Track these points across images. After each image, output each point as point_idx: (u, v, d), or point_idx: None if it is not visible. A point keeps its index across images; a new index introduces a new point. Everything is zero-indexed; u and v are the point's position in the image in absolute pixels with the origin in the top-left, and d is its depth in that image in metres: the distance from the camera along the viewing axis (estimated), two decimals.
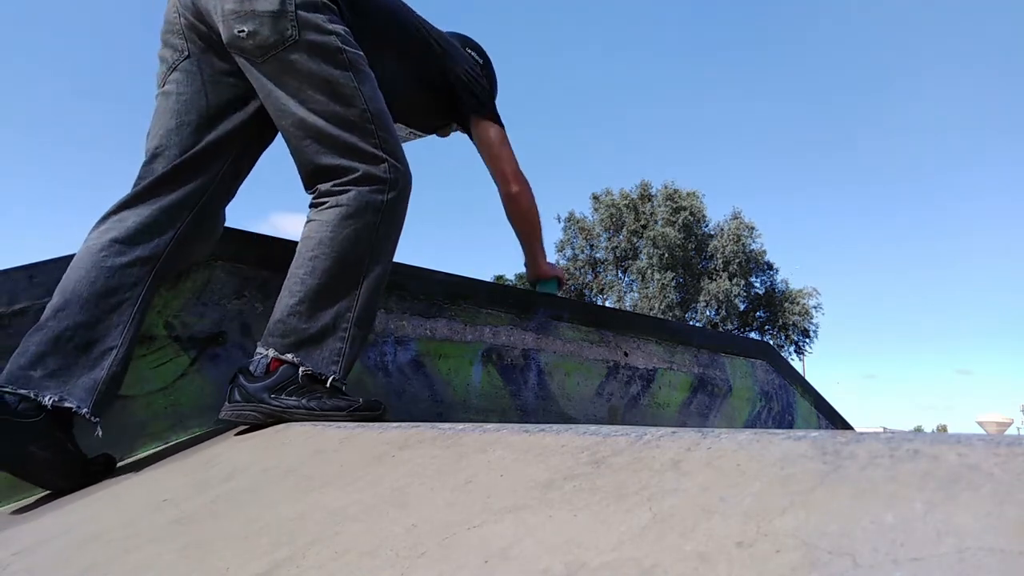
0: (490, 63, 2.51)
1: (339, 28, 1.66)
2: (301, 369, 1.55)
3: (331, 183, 1.63)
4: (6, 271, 1.64)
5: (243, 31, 1.57)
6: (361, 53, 1.70)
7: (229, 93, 1.72)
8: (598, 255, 32.44)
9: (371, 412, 1.56)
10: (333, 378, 1.58)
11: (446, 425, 1.15)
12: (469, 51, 2.41)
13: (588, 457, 0.81)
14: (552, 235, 32.26)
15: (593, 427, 0.93)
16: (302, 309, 1.58)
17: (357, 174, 1.62)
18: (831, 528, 0.53)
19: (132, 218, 1.59)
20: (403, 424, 1.25)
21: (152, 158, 1.65)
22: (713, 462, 0.71)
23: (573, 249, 33.06)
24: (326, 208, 1.62)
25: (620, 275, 31.91)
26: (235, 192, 1.80)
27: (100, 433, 1.49)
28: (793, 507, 0.57)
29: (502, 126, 2.26)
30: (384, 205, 1.64)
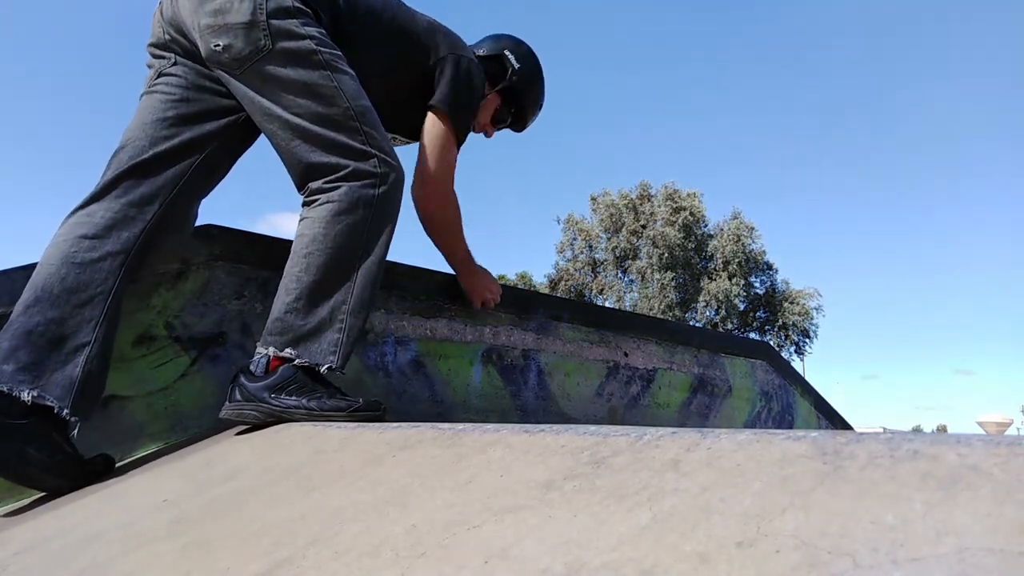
0: (530, 75, 2.32)
1: (313, 31, 1.66)
2: (298, 360, 1.57)
3: (322, 180, 1.64)
4: (6, 271, 1.64)
5: (219, 45, 1.59)
6: (339, 53, 1.71)
7: (212, 101, 1.73)
8: (598, 256, 32.43)
9: (371, 412, 1.56)
10: (330, 366, 1.59)
11: (446, 425, 1.15)
12: (507, 53, 2.28)
13: (588, 457, 0.81)
14: (552, 237, 32.16)
15: (593, 427, 0.93)
16: (299, 306, 1.60)
17: (347, 170, 1.64)
18: (831, 528, 0.53)
19: (101, 212, 1.58)
20: (403, 424, 1.25)
21: (120, 148, 1.66)
22: (713, 462, 0.71)
23: (573, 250, 33.06)
24: (318, 205, 1.64)
25: (620, 275, 31.90)
26: (210, 188, 1.79)
27: (75, 434, 1.48)
28: (793, 507, 0.57)
29: (454, 130, 2.02)
30: (376, 199, 1.66)
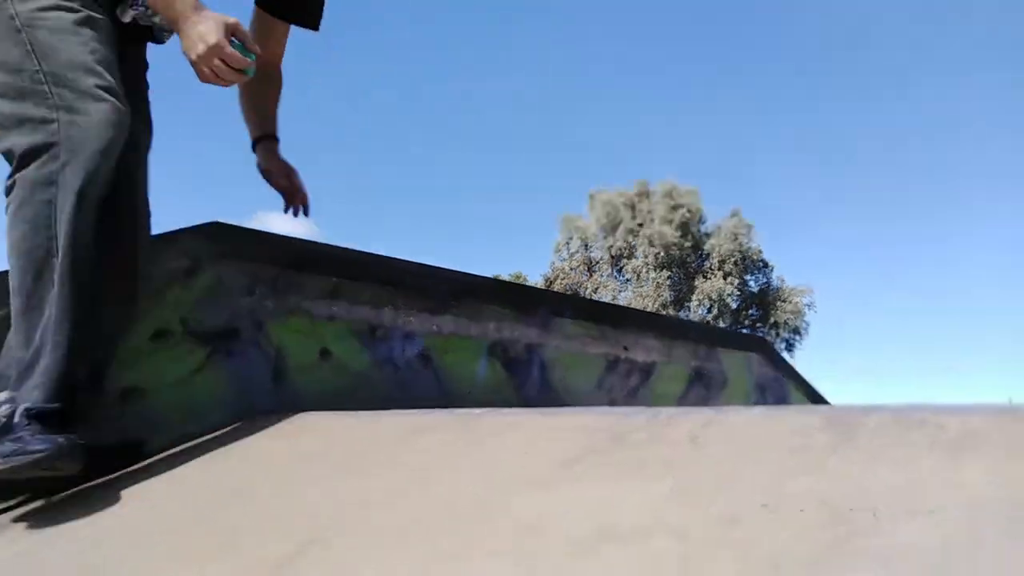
0: None
1: None
2: (5, 407, 1.28)
3: (7, 178, 1.40)
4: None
5: None
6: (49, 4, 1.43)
7: None
8: (593, 254, 32.47)
9: (69, 464, 1.26)
10: (27, 407, 1.28)
11: (462, 410, 1.19)
12: None
13: (608, 435, 0.85)
14: (547, 236, 32.16)
15: (609, 408, 0.97)
16: (19, 336, 1.37)
17: (17, 155, 1.36)
18: (849, 489, 0.57)
19: None
20: (418, 411, 1.29)
21: None
22: (729, 436, 0.75)
23: (569, 249, 33.10)
24: (4, 210, 1.39)
25: (616, 274, 31.94)
26: None
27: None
28: (810, 472, 0.61)
29: None
30: (57, 174, 1.34)
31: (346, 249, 2.24)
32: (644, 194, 31.64)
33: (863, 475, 0.58)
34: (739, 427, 0.75)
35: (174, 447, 1.69)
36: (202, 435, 1.75)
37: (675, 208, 30.38)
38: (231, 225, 2.00)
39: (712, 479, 0.66)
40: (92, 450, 1.50)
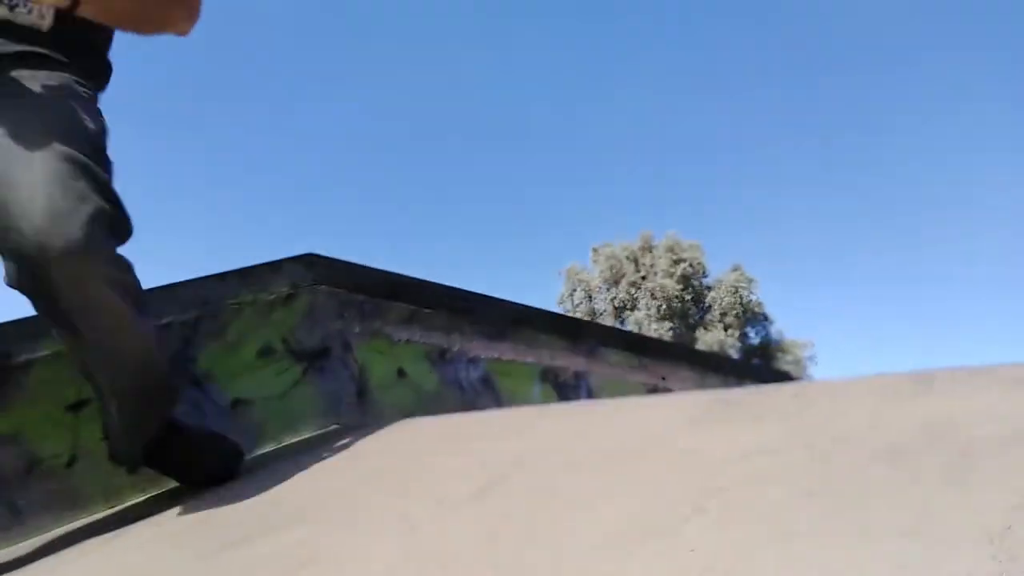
0: None
1: None
2: None
3: None
4: (172, 284, 1.89)
5: None
6: None
7: None
8: (597, 306, 32.66)
9: None
10: None
11: (561, 404, 1.39)
12: None
13: (718, 403, 1.06)
14: (554, 288, 32.55)
15: (700, 391, 1.18)
16: None
17: None
18: (939, 413, 0.77)
19: None
20: (525, 407, 1.49)
21: None
22: (826, 393, 0.95)
23: (573, 301, 33.31)
24: None
25: (619, 325, 32.04)
26: None
27: None
28: (904, 407, 0.82)
29: None
30: None
31: (422, 280, 2.48)
32: (647, 248, 32.06)
33: (944, 405, 0.79)
34: (831, 387, 0.96)
35: (277, 455, 1.86)
36: (299, 444, 1.94)
37: (677, 262, 30.77)
38: (324, 256, 2.24)
39: (822, 418, 0.87)
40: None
